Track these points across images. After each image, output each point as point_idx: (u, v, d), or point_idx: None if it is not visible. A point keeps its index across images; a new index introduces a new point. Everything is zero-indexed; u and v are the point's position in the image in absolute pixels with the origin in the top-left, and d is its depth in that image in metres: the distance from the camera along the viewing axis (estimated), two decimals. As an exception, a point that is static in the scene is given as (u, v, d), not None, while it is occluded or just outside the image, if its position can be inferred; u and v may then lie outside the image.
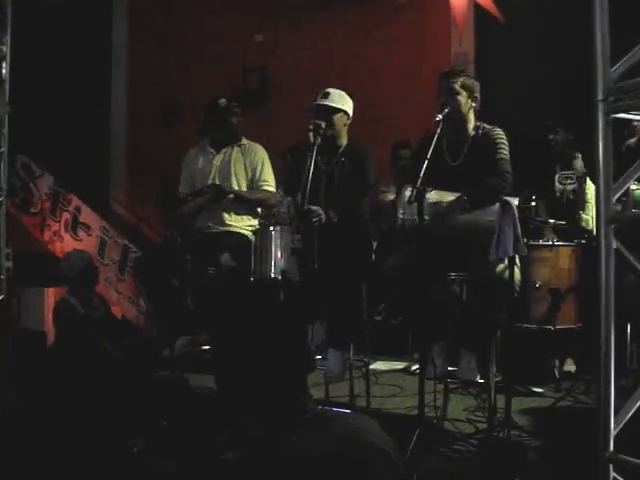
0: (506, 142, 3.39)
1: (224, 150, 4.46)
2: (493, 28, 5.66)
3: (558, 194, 4.63)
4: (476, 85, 3.47)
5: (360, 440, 1.52)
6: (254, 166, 4.41)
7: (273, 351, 1.56)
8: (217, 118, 4.43)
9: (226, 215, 4.34)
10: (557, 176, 4.67)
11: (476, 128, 3.46)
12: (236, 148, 4.46)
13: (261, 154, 4.45)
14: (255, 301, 1.79)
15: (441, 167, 3.26)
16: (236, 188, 4.36)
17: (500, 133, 3.42)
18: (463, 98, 3.41)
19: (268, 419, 1.54)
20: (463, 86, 3.42)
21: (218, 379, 1.62)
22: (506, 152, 3.37)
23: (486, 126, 3.46)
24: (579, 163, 4.58)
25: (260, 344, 1.56)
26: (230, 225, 4.34)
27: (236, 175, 4.39)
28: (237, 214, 4.36)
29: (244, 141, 4.49)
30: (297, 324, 1.66)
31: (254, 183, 4.41)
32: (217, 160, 4.44)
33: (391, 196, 4.70)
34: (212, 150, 4.49)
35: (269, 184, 4.40)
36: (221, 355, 1.62)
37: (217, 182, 4.33)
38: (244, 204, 4.36)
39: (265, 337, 1.57)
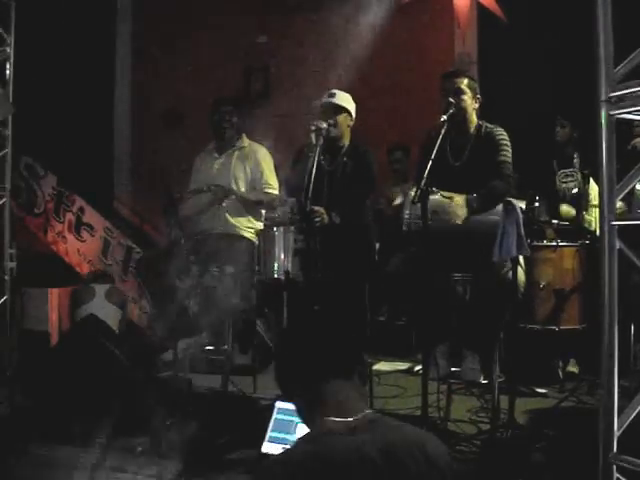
0: (509, 142, 3.41)
1: (226, 154, 4.44)
2: (496, 28, 5.65)
3: (561, 194, 4.62)
4: (477, 87, 3.50)
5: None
6: (254, 169, 4.37)
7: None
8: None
9: (228, 217, 4.33)
10: (557, 175, 4.67)
11: (478, 127, 3.48)
12: (237, 152, 4.43)
13: (262, 156, 4.40)
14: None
15: (444, 167, 3.26)
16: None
17: (503, 133, 3.43)
18: (469, 98, 3.44)
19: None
20: (468, 86, 3.44)
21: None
22: (509, 154, 3.38)
23: (488, 125, 3.48)
24: (578, 162, 4.60)
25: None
26: (233, 226, 4.33)
27: (236, 179, 4.36)
28: (239, 216, 4.35)
29: (245, 143, 4.46)
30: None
31: (256, 185, 4.37)
32: (217, 164, 4.43)
33: (398, 199, 4.72)
34: (215, 154, 4.48)
35: (271, 187, 4.35)
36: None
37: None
38: (246, 206, 4.33)
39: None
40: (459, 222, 3.16)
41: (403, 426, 1.58)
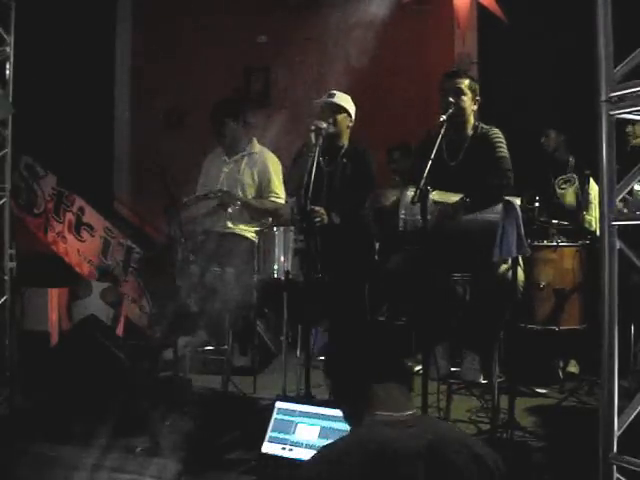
0: (504, 141, 3.43)
1: (235, 158, 4.39)
2: (496, 28, 5.65)
3: (560, 200, 4.62)
4: (478, 88, 3.51)
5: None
6: (262, 176, 4.32)
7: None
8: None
9: (230, 224, 4.27)
10: (556, 183, 4.66)
11: (474, 128, 3.50)
12: (246, 158, 4.38)
13: (270, 164, 4.34)
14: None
15: (440, 167, 3.26)
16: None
17: (498, 133, 3.45)
18: (468, 99, 3.45)
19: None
20: (469, 87, 3.45)
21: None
22: (505, 150, 3.40)
23: (484, 126, 3.50)
24: (573, 166, 4.61)
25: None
26: (234, 227, 4.31)
27: (243, 186, 4.32)
28: (242, 223, 4.28)
29: (256, 149, 4.40)
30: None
31: (262, 193, 4.33)
32: (226, 168, 4.38)
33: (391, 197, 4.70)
34: (225, 157, 4.43)
35: (277, 196, 4.30)
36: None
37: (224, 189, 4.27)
38: (250, 214, 4.28)
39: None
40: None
41: (450, 426, 1.62)
